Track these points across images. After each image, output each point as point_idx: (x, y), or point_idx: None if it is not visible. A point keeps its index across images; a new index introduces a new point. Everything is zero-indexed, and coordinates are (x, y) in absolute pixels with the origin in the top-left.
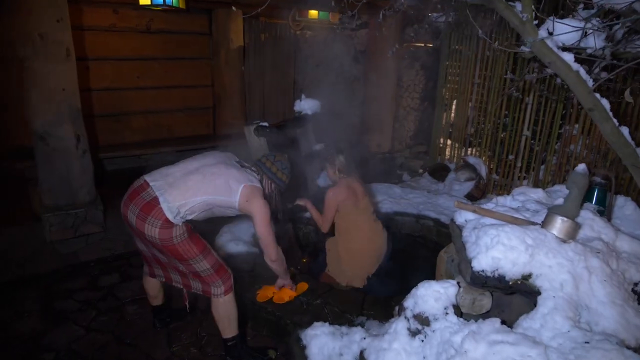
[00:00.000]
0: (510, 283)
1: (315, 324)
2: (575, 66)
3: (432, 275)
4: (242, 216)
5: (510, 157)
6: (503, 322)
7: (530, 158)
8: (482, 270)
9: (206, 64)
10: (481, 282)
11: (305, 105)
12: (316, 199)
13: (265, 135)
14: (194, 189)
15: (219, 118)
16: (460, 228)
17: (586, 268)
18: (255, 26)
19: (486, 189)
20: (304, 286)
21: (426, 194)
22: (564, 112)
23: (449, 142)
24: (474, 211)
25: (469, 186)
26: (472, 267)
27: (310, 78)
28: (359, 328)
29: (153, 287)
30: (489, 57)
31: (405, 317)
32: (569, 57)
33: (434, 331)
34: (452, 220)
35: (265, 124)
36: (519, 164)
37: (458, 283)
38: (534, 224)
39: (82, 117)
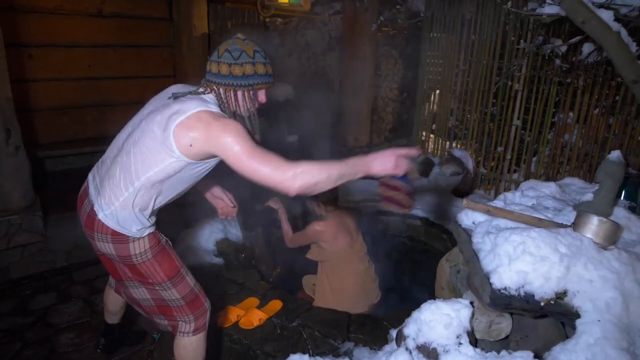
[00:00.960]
0: (542, 304)
1: (292, 357)
2: (616, 26)
3: (426, 284)
4: (204, 218)
5: (499, 149)
6: (536, 357)
7: (520, 150)
8: (505, 288)
9: (167, 53)
10: (504, 302)
11: (276, 90)
12: (290, 202)
13: None
14: (125, 177)
15: None
16: (468, 232)
17: (636, 281)
18: (221, 12)
19: (474, 184)
20: (277, 305)
21: None
22: (557, 99)
23: (431, 135)
24: (488, 211)
25: (455, 181)
26: (491, 284)
27: (281, 68)
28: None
29: (115, 303)
30: (474, 42)
31: (407, 349)
32: (607, 15)
33: None
34: (456, 222)
35: None
36: (508, 156)
37: (471, 303)
38: (562, 225)
39: (14, 108)
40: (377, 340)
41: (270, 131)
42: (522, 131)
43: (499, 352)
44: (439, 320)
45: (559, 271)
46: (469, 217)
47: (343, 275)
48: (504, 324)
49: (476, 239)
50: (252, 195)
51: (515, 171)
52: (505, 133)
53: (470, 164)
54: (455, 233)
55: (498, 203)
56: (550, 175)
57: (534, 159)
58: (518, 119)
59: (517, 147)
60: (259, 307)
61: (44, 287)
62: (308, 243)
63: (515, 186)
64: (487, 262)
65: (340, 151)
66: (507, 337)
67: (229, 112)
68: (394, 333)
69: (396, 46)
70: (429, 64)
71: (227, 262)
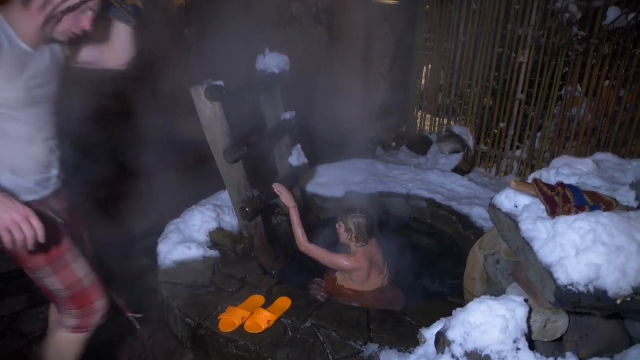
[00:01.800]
0: (618, 301)
1: None
2: None
3: (437, 271)
4: (193, 206)
5: (501, 125)
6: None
7: (524, 125)
8: (572, 284)
9: None
10: (571, 301)
11: (271, 61)
12: (293, 184)
13: (221, 99)
14: None
15: (160, 90)
16: (512, 218)
17: None
18: None
19: (474, 162)
20: (285, 303)
21: (413, 169)
22: (565, 70)
23: (428, 115)
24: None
25: (456, 159)
26: (555, 280)
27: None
28: None
29: None
30: (475, 11)
31: (453, 356)
32: None
33: None
34: (494, 205)
35: (220, 83)
36: (511, 133)
37: (526, 301)
38: (629, 208)
39: None
40: (403, 340)
41: (266, 109)
42: (526, 106)
43: (557, 356)
44: (493, 323)
45: (637, 263)
46: (510, 199)
47: (363, 288)
48: (561, 323)
49: (526, 226)
50: (252, 180)
51: (518, 148)
52: (507, 108)
53: (470, 141)
54: (494, 219)
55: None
56: (556, 151)
57: (539, 134)
58: (522, 92)
59: (521, 122)
60: (265, 306)
61: (12, 290)
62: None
63: (518, 163)
64: (546, 254)
65: (332, 130)
66: (562, 337)
67: None
68: (425, 333)
69: (388, 18)
70: (426, 38)
71: (223, 255)
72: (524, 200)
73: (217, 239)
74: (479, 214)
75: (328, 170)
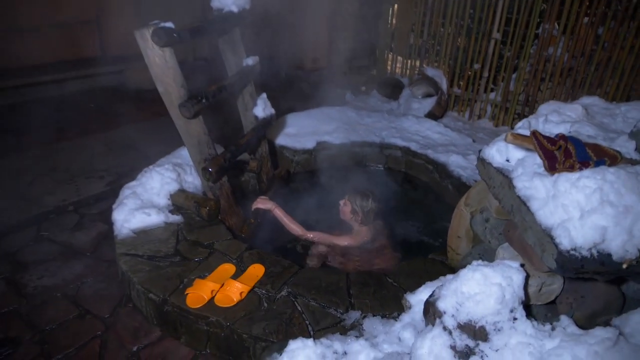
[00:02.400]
0: (625, 265)
1: (291, 343)
2: None
3: (415, 224)
4: (150, 166)
5: (476, 66)
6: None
7: (499, 67)
8: (575, 249)
9: None
10: (575, 266)
11: None
12: (259, 136)
13: (172, 43)
14: None
15: (108, 34)
16: (504, 173)
17: None
18: None
19: (447, 106)
20: (258, 270)
21: (386, 116)
22: (542, 7)
23: (399, 57)
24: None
25: (429, 103)
26: (557, 245)
27: None
28: (359, 341)
29: None
30: None
31: (445, 328)
32: None
33: (497, 351)
34: (483, 159)
35: (170, 25)
36: (485, 74)
37: (522, 265)
38: (634, 162)
39: None
40: (387, 305)
41: (225, 55)
42: (502, 45)
43: (551, 319)
44: (488, 293)
45: None
46: (501, 152)
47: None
48: (556, 285)
49: (521, 183)
50: (214, 135)
51: (492, 90)
52: (482, 48)
53: (444, 84)
54: (483, 174)
55: (523, 132)
56: (531, 93)
57: (514, 76)
58: (498, 31)
59: (496, 63)
60: (236, 276)
61: None
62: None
63: (492, 107)
64: (546, 215)
65: (297, 76)
66: (555, 298)
67: None
68: (411, 298)
69: None
70: None
71: (186, 219)
72: (517, 153)
73: (179, 202)
74: (456, 162)
75: (297, 119)
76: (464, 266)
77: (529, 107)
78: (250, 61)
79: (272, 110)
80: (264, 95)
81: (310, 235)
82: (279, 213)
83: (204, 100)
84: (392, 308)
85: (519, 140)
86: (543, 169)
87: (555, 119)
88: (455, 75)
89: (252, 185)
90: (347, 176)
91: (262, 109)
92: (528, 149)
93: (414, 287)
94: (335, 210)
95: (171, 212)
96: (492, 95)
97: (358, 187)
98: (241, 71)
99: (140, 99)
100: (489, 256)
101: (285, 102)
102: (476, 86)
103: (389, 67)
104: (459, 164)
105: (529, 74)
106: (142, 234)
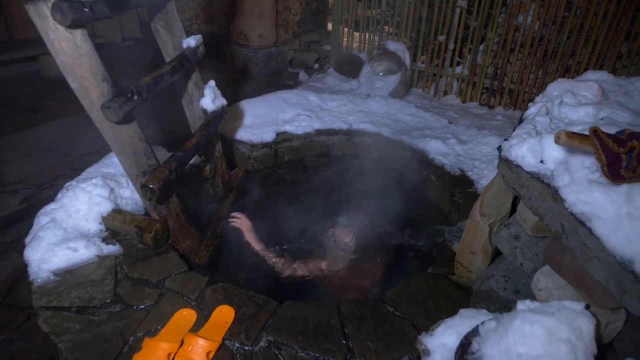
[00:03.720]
0: None
1: None
2: None
3: (404, 221)
4: (75, 179)
5: (440, 37)
6: None
7: (465, 38)
8: None
9: None
10: None
11: None
12: (210, 133)
13: (83, 22)
14: None
15: (14, 13)
16: (543, 180)
17: None
18: None
19: (412, 83)
20: (225, 314)
21: (351, 98)
22: None
23: (355, 32)
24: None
25: (393, 81)
26: None
27: None
28: None
29: None
30: None
31: None
32: None
33: None
34: (508, 160)
35: None
36: (451, 47)
37: (587, 307)
38: None
39: None
40: (394, 346)
41: (158, 35)
42: (468, 15)
43: None
44: (556, 354)
45: None
46: (535, 152)
47: None
48: (620, 322)
49: (573, 195)
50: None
51: (458, 64)
52: (447, 18)
53: (407, 58)
54: (510, 179)
55: (541, 121)
56: (500, 65)
57: (481, 47)
58: None
59: (462, 34)
60: (198, 326)
61: None
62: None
63: (458, 82)
64: (621, 242)
65: (241, 54)
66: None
67: None
68: (428, 342)
69: None
70: None
71: (126, 248)
72: (554, 153)
73: (115, 226)
74: (436, 149)
75: (251, 107)
76: (485, 292)
77: (497, 81)
78: (191, 42)
79: (224, 101)
80: (213, 83)
81: (300, 267)
82: (268, 254)
83: (135, 97)
84: (401, 349)
85: (577, 141)
86: (600, 175)
87: (570, 100)
88: (418, 49)
89: (205, 192)
90: (313, 171)
91: (211, 99)
92: (569, 149)
93: (421, 318)
94: (307, 218)
95: (105, 240)
96: (458, 69)
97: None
98: (181, 55)
99: (61, 89)
100: (517, 279)
101: (233, 87)
102: (441, 60)
103: (344, 42)
104: (440, 150)
105: (497, 45)
106: (68, 276)
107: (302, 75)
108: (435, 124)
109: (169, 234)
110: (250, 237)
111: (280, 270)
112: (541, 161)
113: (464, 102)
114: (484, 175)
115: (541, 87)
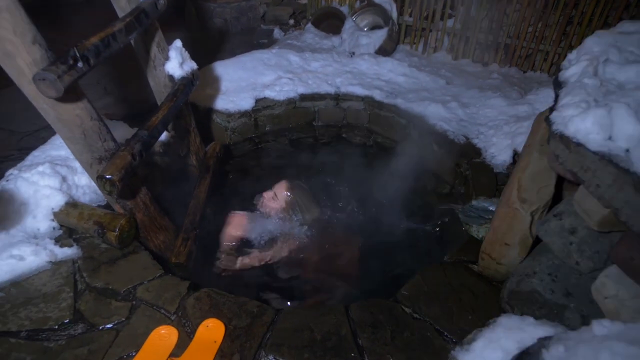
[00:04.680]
0: None
1: None
2: None
3: (403, 198)
4: (16, 167)
5: None
6: None
7: None
8: None
9: None
10: None
11: None
12: (179, 104)
13: None
14: None
15: None
16: (618, 164)
17: None
18: None
19: (398, 39)
20: (216, 330)
21: (336, 57)
22: None
23: None
24: None
25: (379, 37)
26: None
27: None
28: None
29: None
30: None
31: None
32: None
33: None
34: (565, 137)
35: None
36: None
37: None
38: None
39: None
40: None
41: None
42: None
43: None
44: None
45: None
46: (603, 126)
47: None
48: None
49: None
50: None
51: (450, 16)
52: None
53: (394, 11)
54: (568, 161)
55: (590, 84)
56: (496, 18)
57: None
58: None
59: None
60: (181, 349)
61: None
62: None
63: (449, 37)
64: None
65: (208, 10)
66: None
67: None
68: (463, 359)
69: None
70: None
71: (86, 250)
72: (629, 126)
73: (71, 223)
74: (436, 114)
75: (225, 70)
76: (526, 293)
77: (493, 35)
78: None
79: (193, 65)
80: (179, 43)
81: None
82: (251, 260)
83: (80, 65)
84: None
85: None
86: None
87: (616, 58)
88: (405, 1)
89: (178, 173)
90: (298, 142)
91: (178, 63)
92: None
93: (444, 319)
94: None
95: (59, 242)
96: (449, 23)
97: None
98: (138, 9)
99: None
100: (567, 278)
101: (202, 48)
102: (431, 12)
103: None
104: (440, 115)
105: None
106: (14, 290)
107: (277, 33)
108: (431, 85)
109: (137, 230)
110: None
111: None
112: (610, 137)
113: (455, 59)
114: (493, 143)
115: (540, 41)
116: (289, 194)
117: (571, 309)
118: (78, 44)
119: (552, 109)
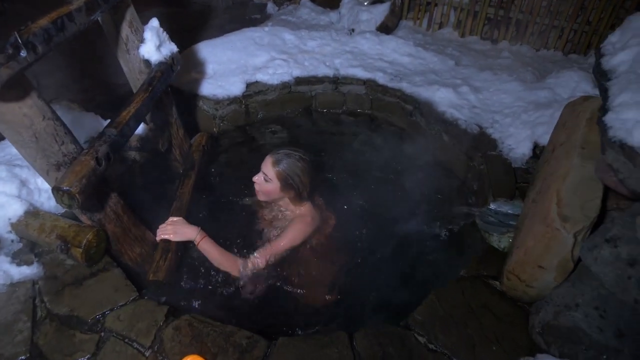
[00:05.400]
0: None
1: None
2: None
3: (404, 198)
4: None
5: None
6: None
7: None
8: None
9: None
10: None
11: None
12: (158, 91)
13: None
14: None
15: None
16: None
17: None
18: None
19: (401, 13)
20: None
21: (335, 36)
22: None
23: None
24: None
25: (381, 12)
26: None
27: None
28: None
29: None
30: None
31: None
32: None
33: None
34: (622, 145)
35: None
36: None
37: None
38: None
39: None
40: None
41: None
42: None
43: None
44: None
45: None
46: None
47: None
48: None
49: None
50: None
51: None
52: None
53: None
54: (633, 178)
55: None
56: None
57: None
58: None
59: None
60: None
61: None
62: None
63: (456, 12)
64: None
65: None
66: None
67: None
68: None
69: None
70: None
71: (48, 269)
72: None
73: (31, 236)
74: (446, 99)
75: (212, 50)
76: (566, 329)
77: (504, 10)
78: None
79: (173, 47)
80: (155, 22)
81: (254, 261)
82: (206, 246)
83: (23, 54)
84: None
85: None
86: None
87: None
88: None
89: (158, 172)
90: (293, 131)
91: (154, 46)
92: None
93: (465, 351)
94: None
95: (17, 258)
96: None
97: (280, 150)
98: None
99: None
100: (619, 315)
101: (185, 26)
102: None
103: None
104: (451, 100)
105: None
106: None
107: (271, 7)
108: (439, 66)
109: (108, 243)
110: (199, 240)
111: (229, 270)
112: None
113: (462, 36)
114: (510, 134)
115: (555, 17)
116: (278, 168)
117: (625, 354)
118: (21, 27)
119: (604, 109)
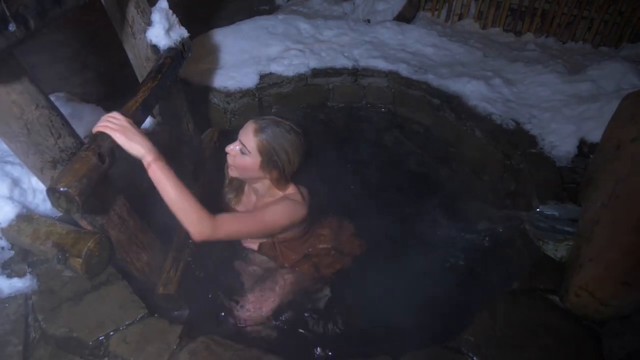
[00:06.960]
0: None
1: None
2: None
3: (427, 204)
4: None
5: None
6: None
7: None
8: None
9: None
10: None
11: None
12: (168, 81)
13: None
14: None
15: None
16: None
17: None
18: None
19: (419, 4)
20: None
21: (353, 26)
22: None
23: None
24: None
25: (398, 2)
26: None
27: None
28: None
29: None
30: None
31: None
32: None
33: None
34: None
35: None
36: None
37: None
38: None
39: None
40: None
41: None
42: None
43: None
44: None
45: None
46: None
47: None
48: None
49: None
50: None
51: None
52: None
53: None
54: None
55: None
56: None
57: None
58: None
59: None
60: None
61: None
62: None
63: (477, 2)
64: None
65: None
66: None
67: None
68: None
69: None
70: None
71: (44, 281)
72: None
73: (24, 243)
74: (477, 92)
75: (224, 40)
76: None
77: (528, 0)
78: None
79: (184, 32)
80: (164, 3)
81: (221, 222)
82: (161, 175)
83: (11, 27)
84: None
85: None
86: None
87: None
88: None
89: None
90: (309, 125)
91: (163, 29)
92: None
93: None
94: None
95: (9, 268)
96: None
97: (267, 116)
98: None
99: None
100: None
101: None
102: None
103: None
104: (482, 94)
105: None
106: None
107: None
108: (467, 57)
109: (112, 252)
110: (132, 144)
111: (185, 223)
112: None
113: (483, 27)
114: (551, 130)
115: (585, 7)
116: (260, 137)
117: None
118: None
119: None
